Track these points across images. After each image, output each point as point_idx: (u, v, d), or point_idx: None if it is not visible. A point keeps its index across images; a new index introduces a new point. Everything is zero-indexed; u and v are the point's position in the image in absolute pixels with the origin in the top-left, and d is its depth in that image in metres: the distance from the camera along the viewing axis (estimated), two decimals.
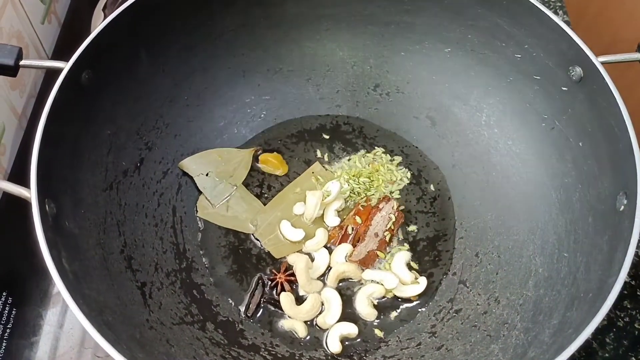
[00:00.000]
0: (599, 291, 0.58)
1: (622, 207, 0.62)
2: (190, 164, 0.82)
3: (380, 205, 0.81)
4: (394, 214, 0.81)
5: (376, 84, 0.90)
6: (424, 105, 0.87)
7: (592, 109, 0.70)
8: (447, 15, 0.82)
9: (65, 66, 0.67)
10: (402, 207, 0.83)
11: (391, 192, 0.84)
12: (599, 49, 0.70)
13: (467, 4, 0.79)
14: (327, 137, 0.88)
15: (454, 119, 0.86)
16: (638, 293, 0.80)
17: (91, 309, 0.58)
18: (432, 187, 0.85)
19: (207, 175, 0.81)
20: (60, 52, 1.01)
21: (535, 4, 0.73)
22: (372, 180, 0.85)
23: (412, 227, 0.81)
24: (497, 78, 0.81)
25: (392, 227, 0.80)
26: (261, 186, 0.84)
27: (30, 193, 0.59)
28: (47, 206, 0.60)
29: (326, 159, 0.87)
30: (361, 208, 0.81)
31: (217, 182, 0.81)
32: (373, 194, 0.83)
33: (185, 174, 0.81)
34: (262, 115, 0.89)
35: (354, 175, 0.84)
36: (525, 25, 0.75)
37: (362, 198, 0.83)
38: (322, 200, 0.77)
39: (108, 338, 0.54)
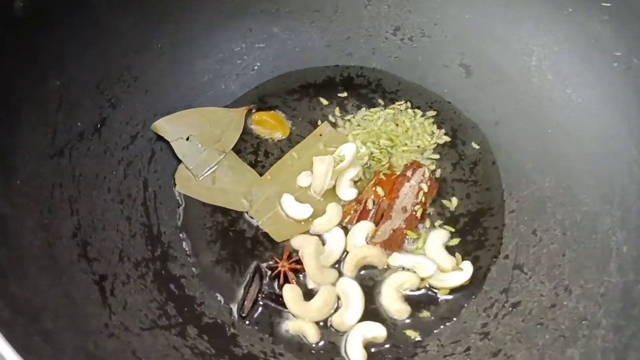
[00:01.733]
0: None
1: None
2: (166, 126, 0.72)
3: (408, 173, 0.70)
4: (426, 184, 0.69)
5: (396, 26, 0.80)
6: (457, 51, 0.78)
7: None
8: None
9: None
10: (435, 175, 0.72)
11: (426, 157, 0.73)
12: None
13: None
14: (337, 92, 0.78)
15: (494, 65, 0.76)
16: None
17: (17, 314, 0.48)
18: (470, 150, 0.74)
19: (187, 139, 0.73)
20: None
21: None
22: (395, 144, 0.72)
23: (450, 200, 0.70)
24: (550, 10, 0.71)
25: (424, 200, 0.69)
26: (256, 153, 0.75)
27: None
28: None
29: (336, 117, 0.76)
30: (383, 177, 0.70)
31: (200, 149, 0.73)
32: (398, 160, 0.72)
33: (159, 138, 0.73)
34: (256, 67, 0.80)
35: (372, 136, 0.73)
36: None
37: (384, 165, 0.71)
38: (334, 167, 0.68)
39: (37, 355, 0.44)
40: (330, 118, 0.75)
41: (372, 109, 0.76)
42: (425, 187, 0.68)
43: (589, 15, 0.67)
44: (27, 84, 0.60)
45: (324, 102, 0.76)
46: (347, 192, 0.70)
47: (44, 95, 0.62)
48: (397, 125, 0.74)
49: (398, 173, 0.70)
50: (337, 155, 0.70)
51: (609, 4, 0.65)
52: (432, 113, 0.75)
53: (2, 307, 0.45)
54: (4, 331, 0.41)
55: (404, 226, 0.66)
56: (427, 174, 0.69)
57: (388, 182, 0.69)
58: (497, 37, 0.75)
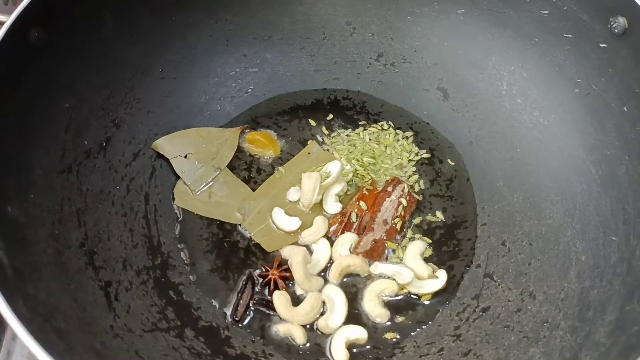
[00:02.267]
0: None
1: None
2: (166, 145, 0.74)
3: (389, 188, 0.72)
4: (405, 198, 0.71)
5: (379, 53, 0.83)
6: (435, 76, 0.81)
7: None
8: None
9: (8, 19, 0.57)
10: (414, 190, 0.74)
11: (406, 173, 0.76)
12: None
13: None
14: (324, 113, 0.81)
15: (469, 90, 0.79)
16: None
17: (35, 313, 0.49)
18: (447, 168, 0.77)
19: (185, 157, 0.74)
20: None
21: None
22: (377, 162, 0.75)
23: (435, 215, 0.73)
24: (519, 40, 0.74)
25: (403, 213, 0.71)
26: (249, 169, 0.76)
27: None
28: None
29: (324, 136, 0.79)
30: (366, 192, 0.73)
31: (197, 166, 0.74)
32: (379, 176, 0.74)
33: (160, 156, 0.74)
34: (249, 90, 0.82)
35: (356, 154, 0.75)
36: None
37: (366, 181, 0.74)
38: (321, 183, 0.70)
39: (53, 349, 0.45)
40: (318, 137, 0.78)
41: (356, 130, 0.78)
42: (404, 202, 0.71)
43: (552, 45, 0.70)
44: (41, 106, 0.60)
45: (313, 123, 0.79)
46: (333, 206, 0.72)
47: (55, 117, 0.63)
48: (380, 144, 0.76)
49: (380, 189, 0.72)
50: (323, 172, 0.72)
51: (570, 35, 0.67)
52: (411, 133, 0.78)
53: (21, 306, 0.47)
54: (27, 327, 0.44)
55: (384, 237, 0.69)
56: (406, 190, 0.72)
57: (370, 196, 0.72)
58: (472, 64, 0.78)
